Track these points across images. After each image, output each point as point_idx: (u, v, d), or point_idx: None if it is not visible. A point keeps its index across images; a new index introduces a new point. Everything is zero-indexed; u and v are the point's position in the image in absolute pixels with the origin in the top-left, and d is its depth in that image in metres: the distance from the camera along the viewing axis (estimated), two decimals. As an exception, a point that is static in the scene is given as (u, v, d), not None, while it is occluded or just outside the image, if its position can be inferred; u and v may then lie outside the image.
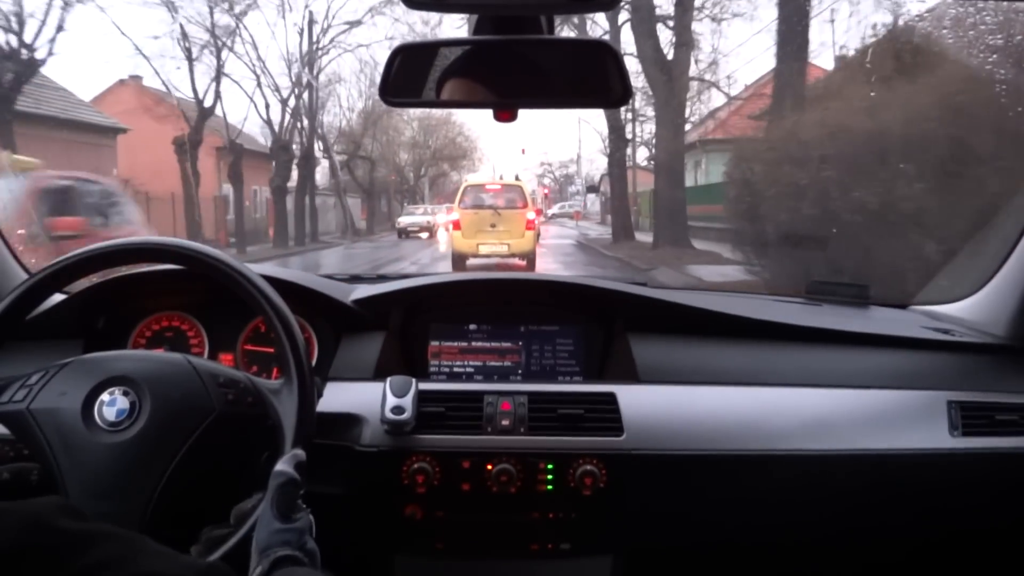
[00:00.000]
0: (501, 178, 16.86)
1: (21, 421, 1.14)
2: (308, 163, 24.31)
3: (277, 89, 23.84)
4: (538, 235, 15.28)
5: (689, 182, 26.52)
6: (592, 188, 43.65)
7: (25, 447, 1.17)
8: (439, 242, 22.31)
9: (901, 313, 1.93)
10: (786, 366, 1.63)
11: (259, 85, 22.21)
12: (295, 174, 24.42)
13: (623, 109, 20.58)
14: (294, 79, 22.96)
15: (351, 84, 31.91)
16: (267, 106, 23.30)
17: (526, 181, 21.33)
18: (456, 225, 13.97)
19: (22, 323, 1.22)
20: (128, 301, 1.68)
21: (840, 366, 1.63)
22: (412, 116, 37.63)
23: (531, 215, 14.08)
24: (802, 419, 1.52)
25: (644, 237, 19.04)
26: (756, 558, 1.60)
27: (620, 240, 18.91)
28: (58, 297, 1.60)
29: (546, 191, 51.32)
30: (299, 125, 23.76)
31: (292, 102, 22.95)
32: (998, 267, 1.70)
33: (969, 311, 1.78)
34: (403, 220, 28.23)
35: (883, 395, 1.56)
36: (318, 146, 27.65)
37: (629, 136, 21.58)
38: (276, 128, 22.45)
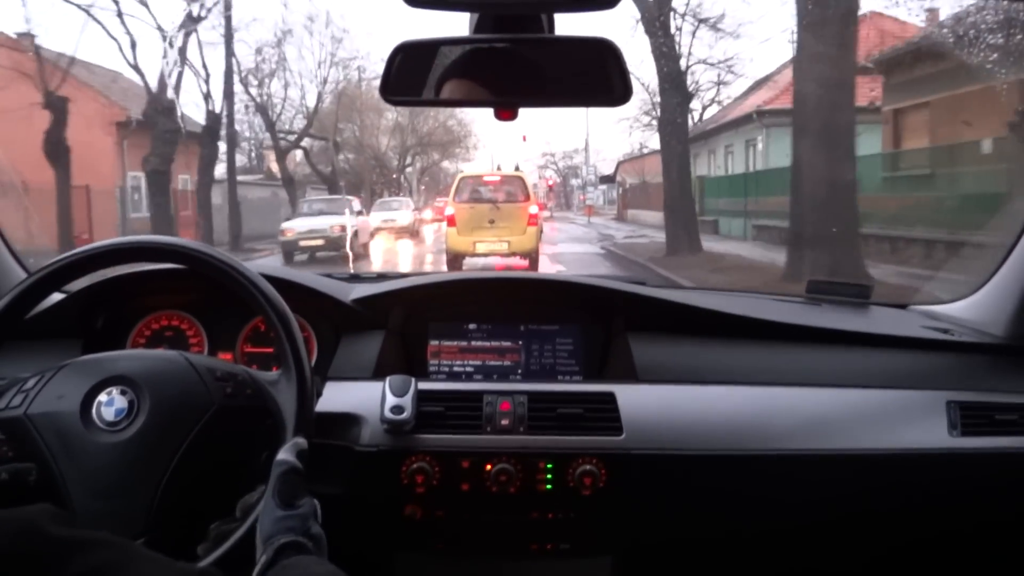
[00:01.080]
0: (499, 168, 14.84)
1: (19, 427, 1.14)
2: (214, 139, 17.10)
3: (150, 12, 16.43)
4: (541, 231, 13.56)
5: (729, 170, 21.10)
6: (607, 178, 38.54)
7: (24, 451, 1.16)
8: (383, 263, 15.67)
9: (900, 313, 1.93)
10: (786, 365, 1.63)
11: (119, 13, 14.52)
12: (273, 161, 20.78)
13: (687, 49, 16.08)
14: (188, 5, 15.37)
15: (304, 45, 26.94)
16: (133, 44, 15.37)
17: (527, 172, 18.49)
18: (451, 221, 12.55)
19: (21, 322, 1.21)
20: (127, 300, 1.68)
21: (840, 366, 1.63)
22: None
23: (533, 209, 12.59)
24: (801, 419, 1.52)
25: (714, 245, 13.91)
26: (755, 557, 1.60)
27: (682, 251, 12.99)
28: (57, 296, 1.60)
29: (550, 182, 46.34)
30: (199, 80, 16.93)
31: (180, 40, 15.43)
32: (997, 267, 1.70)
33: (968, 311, 1.78)
34: (293, 226, 15.91)
35: (882, 395, 1.56)
36: (254, 122, 22.76)
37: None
38: (153, 83, 15.08)
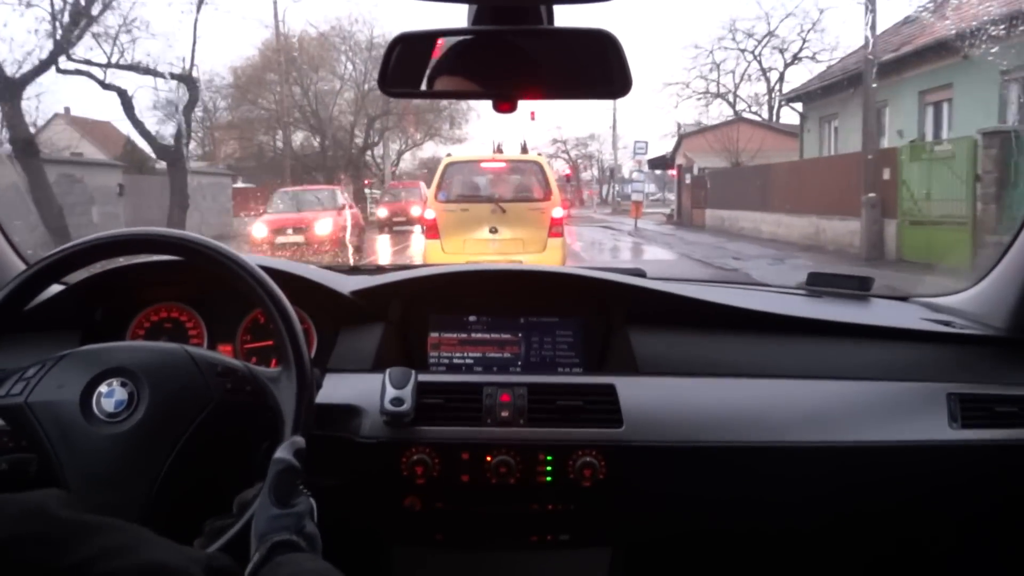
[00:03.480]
0: (499, 149, 9.58)
1: (19, 414, 1.14)
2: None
3: None
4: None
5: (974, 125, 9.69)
6: (660, 163, 27.88)
7: (24, 440, 1.17)
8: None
9: (901, 305, 1.93)
10: (786, 358, 1.63)
11: None
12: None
13: None
14: None
15: None
16: None
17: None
18: (430, 229, 8.26)
19: (20, 314, 1.21)
20: (126, 292, 1.68)
21: (840, 358, 1.63)
22: (350, 45, 22.46)
23: (558, 212, 8.24)
24: (802, 411, 1.52)
25: None
26: (755, 549, 1.60)
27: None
28: (56, 288, 1.60)
29: (567, 172, 34.70)
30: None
31: None
32: (998, 259, 1.69)
33: (969, 303, 1.77)
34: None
35: (883, 387, 1.56)
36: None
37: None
38: None
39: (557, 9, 1.05)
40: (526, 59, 1.09)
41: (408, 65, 1.13)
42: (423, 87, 1.16)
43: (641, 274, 1.85)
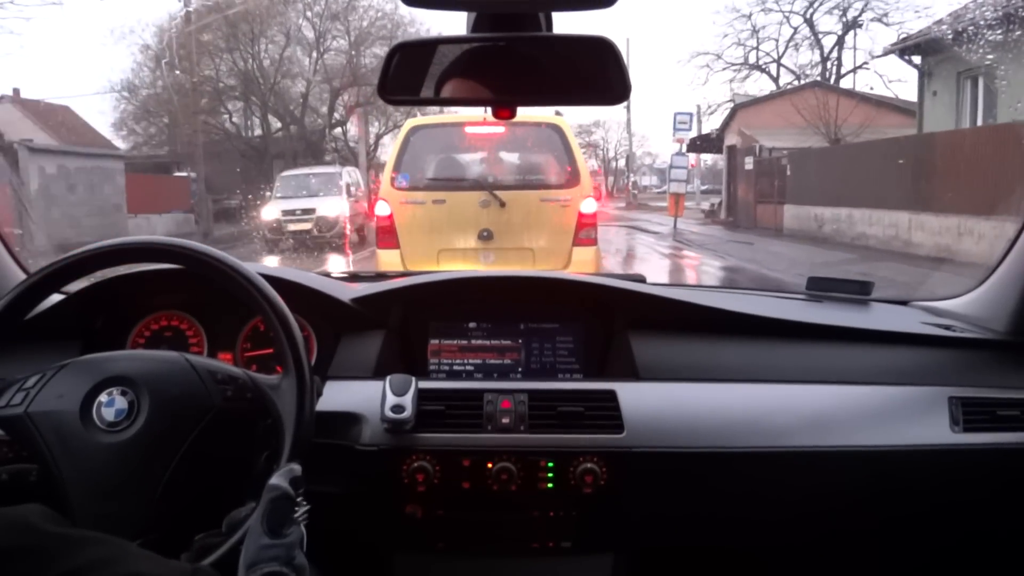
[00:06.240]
0: (484, 114, 4.74)
1: (19, 425, 1.14)
2: None
3: None
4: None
5: None
6: (704, 143, 22.38)
7: (24, 450, 1.16)
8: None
9: (902, 309, 1.93)
10: (787, 363, 1.63)
11: None
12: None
13: None
14: None
15: None
16: None
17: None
18: (385, 234, 5.44)
19: (20, 323, 1.21)
20: (126, 300, 1.68)
21: (841, 362, 1.62)
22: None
23: (589, 205, 5.38)
24: (803, 415, 1.51)
25: None
26: (757, 555, 1.60)
27: None
28: (56, 297, 1.60)
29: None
30: None
31: None
32: (998, 262, 1.69)
33: (970, 307, 1.77)
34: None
35: (884, 391, 1.56)
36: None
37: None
38: None
39: (556, 16, 1.05)
40: (525, 66, 1.09)
41: (407, 73, 1.13)
42: (422, 94, 1.16)
43: (641, 280, 1.85)
